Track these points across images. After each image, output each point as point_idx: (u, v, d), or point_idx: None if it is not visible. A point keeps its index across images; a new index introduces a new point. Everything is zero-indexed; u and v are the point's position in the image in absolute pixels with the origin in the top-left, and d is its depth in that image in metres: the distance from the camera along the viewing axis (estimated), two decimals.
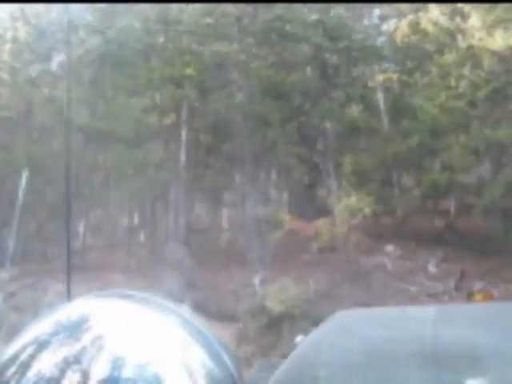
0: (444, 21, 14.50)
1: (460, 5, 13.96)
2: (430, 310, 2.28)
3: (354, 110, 16.70)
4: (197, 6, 16.93)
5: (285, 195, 16.19)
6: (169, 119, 15.56)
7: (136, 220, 17.95)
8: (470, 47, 13.20)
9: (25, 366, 0.90)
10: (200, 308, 10.47)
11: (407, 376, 1.81)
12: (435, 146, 12.95)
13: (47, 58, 19.87)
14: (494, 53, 12.34)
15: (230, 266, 11.77)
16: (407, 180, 14.69)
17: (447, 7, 14.47)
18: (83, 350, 0.88)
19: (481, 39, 12.85)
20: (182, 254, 14.21)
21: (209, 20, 16.14)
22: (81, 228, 17.45)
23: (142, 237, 17.97)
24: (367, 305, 8.66)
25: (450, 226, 13.48)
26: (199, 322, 0.96)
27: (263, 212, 14.29)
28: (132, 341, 0.91)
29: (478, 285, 9.97)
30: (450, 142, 12.57)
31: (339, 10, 17.97)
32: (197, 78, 15.06)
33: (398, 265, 11.16)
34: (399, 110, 14.48)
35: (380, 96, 15.68)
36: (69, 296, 1.43)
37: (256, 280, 10.82)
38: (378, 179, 14.18)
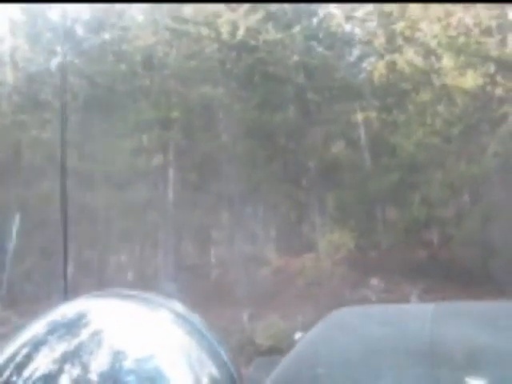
0: (419, 61, 15.24)
1: (433, 46, 14.74)
2: (428, 307, 2.26)
3: (337, 147, 17.38)
4: (181, 49, 17.63)
5: (271, 232, 16.71)
6: (156, 160, 16.13)
7: (125, 259, 18.37)
8: (444, 86, 13.92)
9: (23, 364, 0.91)
10: None
11: (406, 373, 1.79)
12: (414, 181, 13.57)
13: (36, 101, 20.41)
14: (465, 91, 13.06)
15: (219, 302, 12.22)
16: (389, 214, 15.27)
17: (421, 48, 15.23)
18: (81, 345, 0.90)
19: (453, 78, 13.58)
20: (171, 291, 14.62)
21: (193, 63, 16.83)
22: (69, 268, 17.81)
23: (130, 275, 18.37)
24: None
25: (433, 258, 14.02)
26: (198, 321, 0.99)
27: (250, 249, 14.79)
28: (131, 336, 0.93)
29: None
30: (427, 178, 13.19)
31: (320, 49, 18.77)
32: (183, 120, 15.67)
33: (381, 297, 11.67)
34: (379, 146, 15.15)
35: (361, 133, 16.37)
36: (65, 297, 1.46)
37: (245, 316, 11.25)
38: (360, 214, 14.75)
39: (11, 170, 19.26)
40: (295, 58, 17.68)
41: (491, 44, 12.57)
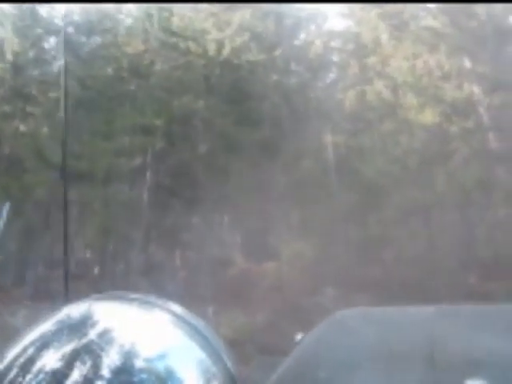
0: (387, 94, 17.04)
1: (400, 81, 16.56)
2: (429, 311, 2.33)
3: (306, 165, 19.06)
4: (168, 59, 19.13)
5: (238, 239, 18.29)
6: (136, 163, 17.57)
7: (94, 255, 19.71)
8: (406, 120, 15.72)
9: (30, 363, 0.94)
10: None
11: (406, 375, 1.83)
12: (373, 203, 15.32)
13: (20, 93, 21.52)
14: (424, 126, 14.87)
15: (187, 298, 13.75)
16: (348, 231, 16.95)
17: (390, 83, 17.02)
18: (90, 343, 0.95)
19: (415, 114, 15.40)
20: (141, 286, 16.09)
21: (178, 74, 18.38)
22: (39, 259, 19.05)
23: (97, 270, 19.71)
24: (308, 331, 10.78)
25: (383, 273, 15.69)
26: (199, 323, 1.04)
27: (217, 253, 16.35)
28: (139, 336, 0.98)
29: None
30: (385, 201, 14.93)
31: (297, 72, 20.51)
32: (164, 128, 17.19)
33: (333, 304, 13.33)
34: (344, 168, 16.90)
35: (329, 154, 18.10)
36: (66, 299, 1.52)
37: (210, 312, 12.82)
38: (322, 229, 16.41)
39: None
40: (274, 78, 19.38)
41: (449, 87, 14.42)
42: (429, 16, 14.81)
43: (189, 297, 14.06)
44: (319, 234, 15.89)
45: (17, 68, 21.28)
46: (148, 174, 17.62)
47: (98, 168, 16.51)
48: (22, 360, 0.96)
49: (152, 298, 1.08)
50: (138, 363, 0.95)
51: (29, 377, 0.93)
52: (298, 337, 2.36)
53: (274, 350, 10.87)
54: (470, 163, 14.00)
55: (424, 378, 1.80)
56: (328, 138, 18.46)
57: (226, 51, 17.61)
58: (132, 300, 1.05)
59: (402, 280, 14.65)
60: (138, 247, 17.19)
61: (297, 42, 20.41)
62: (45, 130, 19.52)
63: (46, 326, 1.01)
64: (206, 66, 17.67)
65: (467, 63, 14.43)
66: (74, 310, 1.03)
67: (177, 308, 1.06)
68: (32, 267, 17.83)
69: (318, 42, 19.34)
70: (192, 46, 18.08)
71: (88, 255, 20.16)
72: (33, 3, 19.38)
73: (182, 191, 17.94)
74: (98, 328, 0.99)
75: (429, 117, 14.75)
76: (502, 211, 13.98)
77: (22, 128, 20.89)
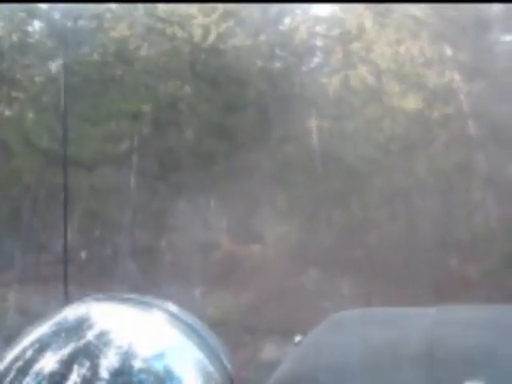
0: (370, 80, 17.43)
1: (383, 68, 16.94)
2: (430, 311, 2.30)
3: (290, 150, 19.45)
4: (154, 45, 19.38)
5: (223, 222, 18.70)
6: (123, 148, 17.87)
7: (85, 238, 20.01)
8: (389, 106, 16.13)
9: (29, 365, 0.97)
10: None
11: (406, 377, 1.83)
12: (355, 187, 15.78)
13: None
14: (406, 113, 15.29)
15: (174, 280, 14.17)
16: (331, 215, 17.41)
17: (374, 69, 17.41)
18: (89, 345, 0.98)
19: (398, 100, 15.81)
20: (129, 269, 16.50)
21: (164, 60, 18.65)
22: (26, 244, 19.35)
23: (84, 254, 20.04)
24: (292, 312, 11.35)
25: (366, 255, 16.18)
26: (195, 323, 1.10)
27: (203, 236, 16.74)
28: (136, 337, 1.02)
29: (376, 301, 12.79)
30: (367, 186, 15.39)
31: (282, 58, 20.83)
32: (151, 113, 17.49)
33: (317, 285, 13.82)
34: (328, 153, 17.32)
35: (313, 139, 18.50)
36: (66, 300, 1.52)
37: (197, 293, 13.26)
38: (306, 213, 16.85)
39: None
40: (259, 63, 19.70)
41: (430, 74, 14.86)
42: (412, 4, 15.21)
43: (176, 279, 14.49)
44: (303, 217, 16.33)
45: (0, 52, 21.37)
46: (135, 159, 17.96)
47: (86, 153, 16.80)
48: (21, 362, 0.97)
49: (149, 299, 1.10)
50: (137, 364, 0.96)
51: (28, 378, 0.93)
52: (297, 339, 2.30)
53: (259, 328, 11.36)
54: (450, 149, 14.47)
55: (423, 378, 1.80)
56: (312, 123, 18.84)
57: (211, 37, 17.90)
58: (129, 301, 1.08)
59: (383, 262, 15.15)
60: (125, 231, 17.56)
61: (282, 28, 20.71)
62: (31, 114, 19.74)
63: (44, 328, 1.02)
64: (191, 51, 17.97)
65: (448, 51, 14.86)
66: (72, 312, 1.05)
67: (174, 308, 1.09)
68: (20, 252, 18.11)
69: (302, 28, 19.65)
70: (178, 31, 18.35)
71: (75, 239, 20.48)
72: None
73: (169, 176, 18.29)
74: (96, 330, 1.00)
75: (411, 103, 15.18)
76: (480, 195, 14.49)
77: (8, 113, 21.06)
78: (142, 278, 15.10)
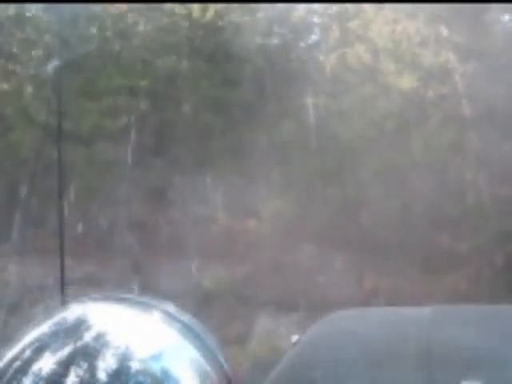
0: (367, 58, 17.63)
1: (380, 46, 17.14)
2: (426, 311, 2.30)
3: (286, 127, 19.69)
4: (152, 20, 19.51)
5: (219, 197, 18.98)
6: (121, 123, 18.08)
7: (82, 213, 20.29)
8: (385, 84, 16.36)
9: (26, 366, 0.97)
10: (146, 288, 13.24)
11: (403, 377, 1.83)
12: (350, 165, 16.08)
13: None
14: (402, 91, 15.54)
15: (170, 254, 14.51)
16: (326, 192, 17.72)
17: (371, 47, 17.60)
18: (86, 346, 0.98)
19: (394, 78, 16.04)
20: (126, 242, 16.82)
21: (162, 35, 18.79)
22: (30, 217, 19.65)
23: (81, 228, 20.34)
24: (286, 285, 11.75)
25: (360, 232, 16.51)
26: (193, 323, 1.10)
27: (199, 210, 17.04)
28: (133, 337, 1.03)
29: (369, 276, 13.17)
30: (361, 163, 15.69)
31: (280, 34, 20.97)
32: (148, 89, 17.68)
33: (311, 260, 14.18)
34: (323, 130, 17.58)
35: (309, 116, 18.73)
36: (63, 301, 1.53)
37: (193, 266, 13.62)
38: (301, 189, 17.16)
39: None
40: (257, 40, 19.85)
41: (426, 54, 15.09)
42: None
43: (173, 252, 14.83)
44: (299, 193, 16.64)
45: None
46: (132, 134, 18.18)
47: (83, 127, 17.03)
48: (18, 363, 0.98)
49: (146, 299, 1.12)
50: (134, 365, 0.97)
51: (26, 378, 0.94)
52: (294, 338, 2.32)
53: (254, 300, 11.73)
54: (445, 127, 14.75)
55: (420, 377, 1.81)
56: (309, 100, 19.06)
57: (209, 13, 18.04)
58: (126, 301, 1.10)
59: (377, 238, 15.50)
60: (122, 205, 17.84)
61: (280, 5, 20.81)
62: (29, 88, 19.88)
63: (42, 329, 1.03)
64: (190, 27, 18.11)
65: (444, 31, 15.08)
66: (69, 313, 1.07)
67: (170, 308, 1.10)
68: (18, 225, 18.41)
69: (300, 5, 19.78)
70: (176, 7, 18.47)
71: (71, 214, 20.75)
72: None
73: (166, 151, 18.54)
74: (93, 331, 1.01)
75: (406, 82, 15.42)
76: (472, 174, 14.81)
77: (5, 86, 21.19)
78: (138, 251, 15.44)
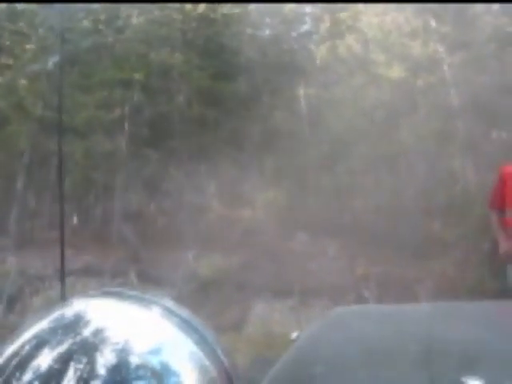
0: (357, 48, 18.02)
1: (370, 36, 17.54)
2: (427, 308, 2.31)
3: (279, 117, 20.09)
4: (144, 13, 19.83)
5: (214, 187, 19.39)
6: (115, 115, 18.44)
7: (77, 204, 20.65)
8: (375, 74, 16.77)
9: (25, 363, 0.97)
10: (144, 276, 13.67)
11: (403, 373, 1.84)
12: (341, 154, 16.51)
13: None
14: (391, 81, 15.95)
15: (167, 243, 14.93)
16: (319, 181, 18.15)
17: (361, 37, 17.99)
18: (85, 342, 0.99)
19: (383, 69, 16.44)
20: (122, 232, 17.21)
21: (155, 28, 19.11)
22: (26, 209, 20.01)
23: (77, 219, 20.72)
24: (281, 271, 12.19)
25: (352, 220, 16.95)
26: (192, 318, 1.09)
27: (194, 200, 17.44)
28: (133, 333, 1.03)
29: (360, 262, 13.63)
30: (352, 152, 16.11)
31: (271, 26, 21.31)
32: (142, 81, 18.02)
33: (304, 247, 14.63)
34: (315, 121, 17.99)
35: (301, 107, 19.13)
36: (63, 297, 1.56)
37: (190, 255, 14.04)
38: (294, 178, 17.59)
39: None
40: (249, 31, 20.22)
41: (414, 45, 15.49)
42: None
43: (169, 242, 15.25)
44: (292, 182, 17.07)
45: None
46: (127, 126, 18.54)
47: (78, 120, 17.38)
48: (17, 359, 0.99)
49: (147, 295, 1.13)
50: (133, 359, 0.99)
51: (24, 376, 0.95)
52: (294, 335, 2.31)
53: (249, 286, 12.18)
54: (433, 117, 15.18)
55: (421, 374, 1.79)
56: (300, 90, 19.46)
57: (202, 5, 18.37)
58: (125, 296, 1.11)
59: (369, 226, 15.97)
60: (118, 196, 18.24)
61: None
62: (23, 81, 20.17)
63: (42, 325, 1.04)
64: (183, 20, 18.44)
65: (432, 22, 15.48)
66: (68, 309, 1.08)
67: (170, 303, 1.11)
68: (15, 217, 18.76)
69: None
70: None
71: (68, 205, 21.11)
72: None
73: (160, 142, 18.92)
74: (92, 326, 1.02)
75: (396, 72, 15.83)
76: (460, 162, 15.26)
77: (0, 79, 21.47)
78: (136, 241, 15.85)
